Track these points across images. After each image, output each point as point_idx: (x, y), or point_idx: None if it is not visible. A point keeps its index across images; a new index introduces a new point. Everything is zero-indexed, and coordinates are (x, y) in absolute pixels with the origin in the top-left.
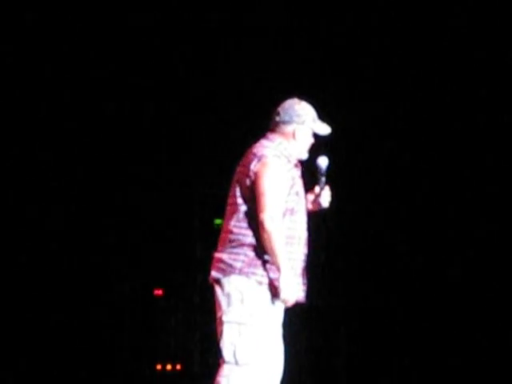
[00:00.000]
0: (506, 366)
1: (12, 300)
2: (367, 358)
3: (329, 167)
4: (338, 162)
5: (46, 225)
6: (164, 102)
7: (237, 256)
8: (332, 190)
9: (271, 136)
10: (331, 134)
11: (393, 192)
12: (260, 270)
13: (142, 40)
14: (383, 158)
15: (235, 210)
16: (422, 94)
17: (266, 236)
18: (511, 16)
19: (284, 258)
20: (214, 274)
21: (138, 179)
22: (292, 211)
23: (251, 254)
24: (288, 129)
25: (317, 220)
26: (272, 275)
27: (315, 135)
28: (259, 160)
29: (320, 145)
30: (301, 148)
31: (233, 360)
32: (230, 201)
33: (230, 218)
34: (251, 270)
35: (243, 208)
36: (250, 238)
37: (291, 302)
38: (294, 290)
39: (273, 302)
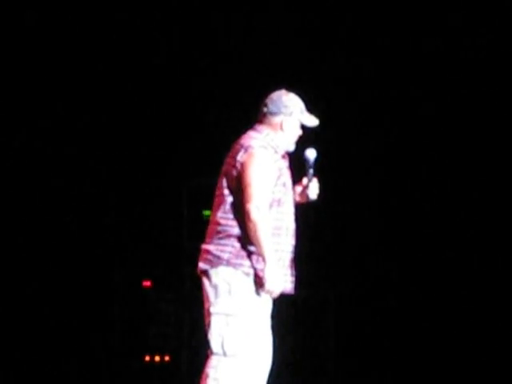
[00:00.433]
0: (492, 362)
1: None
2: (356, 348)
3: (317, 159)
4: (326, 154)
5: (34, 217)
6: (153, 94)
7: (224, 247)
8: (320, 182)
9: (259, 127)
10: (319, 126)
11: (382, 183)
12: (247, 261)
13: (128, 35)
14: (372, 149)
15: (222, 202)
16: (412, 86)
17: (251, 226)
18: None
19: (270, 248)
20: (201, 265)
21: (127, 171)
22: (279, 202)
23: (238, 245)
24: (275, 120)
25: (305, 211)
26: (259, 266)
27: (303, 127)
28: (246, 151)
29: (308, 137)
30: (288, 139)
31: (221, 351)
32: (217, 192)
33: (217, 210)
34: (238, 261)
35: (230, 199)
36: (236, 229)
37: (276, 292)
38: (280, 280)
39: (260, 293)
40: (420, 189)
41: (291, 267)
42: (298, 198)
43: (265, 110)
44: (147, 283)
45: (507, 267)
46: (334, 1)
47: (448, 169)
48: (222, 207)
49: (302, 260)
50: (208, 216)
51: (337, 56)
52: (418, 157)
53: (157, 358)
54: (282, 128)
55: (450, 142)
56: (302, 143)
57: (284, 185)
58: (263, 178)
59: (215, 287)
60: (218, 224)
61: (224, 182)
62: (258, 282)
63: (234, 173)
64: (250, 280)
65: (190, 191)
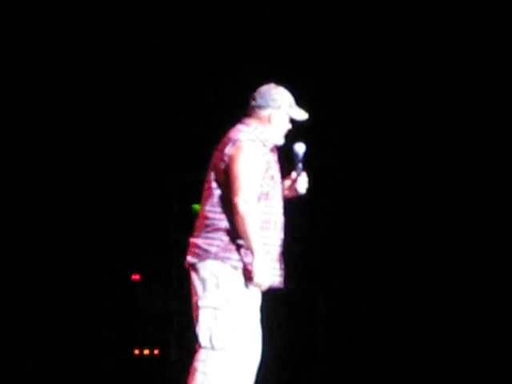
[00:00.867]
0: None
1: None
2: (345, 341)
3: (306, 153)
4: (315, 148)
5: (21, 210)
6: (140, 89)
7: (212, 241)
8: (309, 176)
9: (247, 121)
10: (308, 120)
11: (370, 178)
12: (235, 255)
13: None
14: (362, 145)
15: (210, 195)
16: (400, 83)
17: (239, 219)
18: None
19: (257, 241)
20: (189, 259)
21: (116, 165)
22: (267, 195)
23: (226, 238)
24: (264, 113)
25: (293, 205)
26: (247, 260)
27: (292, 121)
28: (234, 144)
29: (298, 131)
30: (277, 133)
31: (209, 345)
32: (206, 186)
33: (206, 203)
34: (226, 254)
35: (218, 192)
36: (224, 222)
37: (265, 286)
38: (268, 274)
39: (248, 287)
40: (408, 185)
41: (280, 261)
42: (286, 192)
43: (253, 103)
44: (136, 277)
45: (486, 264)
46: None
47: (436, 166)
48: (210, 201)
49: (291, 254)
50: (197, 210)
51: (327, 51)
52: (406, 153)
53: (146, 352)
54: (270, 121)
55: (438, 139)
56: (292, 137)
57: (272, 178)
58: (251, 171)
59: (203, 281)
60: (206, 217)
61: (212, 176)
62: (247, 276)
63: (222, 166)
64: (238, 273)
65: (180, 185)
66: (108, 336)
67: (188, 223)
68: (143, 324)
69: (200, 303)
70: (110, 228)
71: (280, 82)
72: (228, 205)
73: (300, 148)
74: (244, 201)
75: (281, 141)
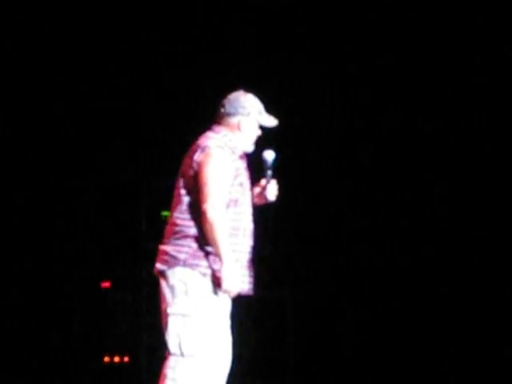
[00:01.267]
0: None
1: None
2: (315, 349)
3: (275, 161)
4: (284, 155)
5: None
6: (115, 93)
7: (181, 248)
8: (279, 183)
9: (217, 128)
10: (278, 127)
11: (340, 183)
12: (204, 262)
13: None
14: (332, 150)
15: (179, 202)
16: (372, 84)
17: (208, 226)
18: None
19: (226, 248)
20: (158, 266)
21: (86, 171)
22: (236, 202)
23: (195, 245)
24: (233, 120)
25: (263, 211)
26: (216, 266)
27: (262, 128)
28: (202, 150)
29: (267, 138)
30: (246, 140)
31: (178, 352)
32: (175, 192)
33: (175, 210)
34: (195, 261)
35: (187, 199)
36: (193, 229)
37: (234, 292)
38: (237, 280)
39: (217, 294)
40: (380, 187)
41: (249, 268)
42: (256, 200)
43: (222, 110)
44: (106, 284)
45: (472, 262)
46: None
47: (413, 165)
48: (179, 207)
49: (260, 261)
50: (166, 217)
51: (296, 56)
52: (378, 156)
53: (116, 359)
54: (239, 128)
55: (414, 138)
56: (261, 144)
57: (241, 185)
58: (219, 178)
59: (172, 288)
60: (175, 224)
61: (181, 182)
62: (216, 283)
63: (191, 172)
64: (207, 280)
65: (149, 192)
66: (78, 343)
67: (157, 230)
68: (113, 331)
69: (169, 310)
70: (79, 234)
71: (249, 88)
72: (197, 211)
73: (269, 155)
74: (212, 207)
75: (250, 148)
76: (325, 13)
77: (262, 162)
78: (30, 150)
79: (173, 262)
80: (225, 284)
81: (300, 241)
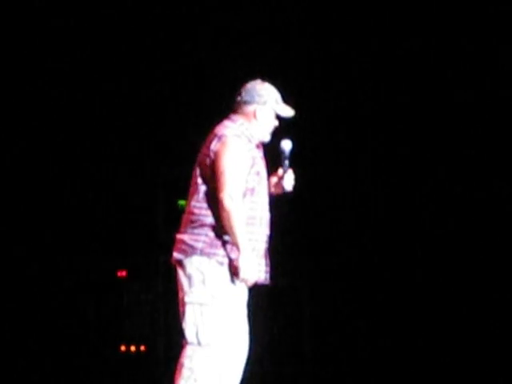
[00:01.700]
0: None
1: None
2: (331, 337)
3: (292, 150)
4: (302, 145)
5: (6, 208)
6: (126, 84)
7: (198, 237)
8: (295, 173)
9: (233, 117)
10: (295, 117)
11: (356, 174)
12: (221, 251)
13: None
14: (348, 142)
15: (196, 191)
16: (387, 77)
17: (225, 215)
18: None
19: (243, 237)
20: (175, 255)
21: (103, 161)
22: (253, 191)
23: (212, 234)
24: (249, 109)
25: (280, 201)
26: (233, 255)
27: (279, 118)
28: (219, 139)
29: (285, 128)
30: (263, 129)
31: (195, 341)
32: (192, 181)
33: (192, 199)
34: (212, 250)
35: (204, 188)
36: (210, 218)
37: (251, 281)
38: (254, 269)
39: (234, 282)
40: (395, 180)
41: (265, 257)
42: (273, 189)
43: (239, 99)
44: (122, 273)
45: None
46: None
47: (423, 161)
48: (195, 196)
49: (276, 250)
50: (183, 206)
51: (314, 47)
52: (393, 148)
53: (132, 348)
54: (255, 117)
55: (425, 133)
56: (278, 134)
57: (258, 174)
58: (236, 167)
59: (189, 277)
60: (192, 213)
61: (198, 171)
62: (233, 271)
63: (208, 162)
64: (225, 269)
65: (166, 181)
66: (95, 333)
67: (174, 219)
68: (130, 320)
69: (186, 299)
70: (95, 225)
71: (266, 78)
72: (214, 200)
73: (286, 145)
74: (229, 196)
75: (267, 137)
76: (346, 2)
77: (279, 151)
78: (49, 145)
79: (190, 251)
80: (242, 273)
81: (317, 231)
